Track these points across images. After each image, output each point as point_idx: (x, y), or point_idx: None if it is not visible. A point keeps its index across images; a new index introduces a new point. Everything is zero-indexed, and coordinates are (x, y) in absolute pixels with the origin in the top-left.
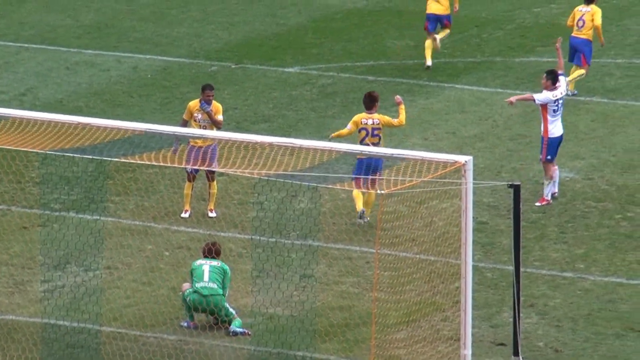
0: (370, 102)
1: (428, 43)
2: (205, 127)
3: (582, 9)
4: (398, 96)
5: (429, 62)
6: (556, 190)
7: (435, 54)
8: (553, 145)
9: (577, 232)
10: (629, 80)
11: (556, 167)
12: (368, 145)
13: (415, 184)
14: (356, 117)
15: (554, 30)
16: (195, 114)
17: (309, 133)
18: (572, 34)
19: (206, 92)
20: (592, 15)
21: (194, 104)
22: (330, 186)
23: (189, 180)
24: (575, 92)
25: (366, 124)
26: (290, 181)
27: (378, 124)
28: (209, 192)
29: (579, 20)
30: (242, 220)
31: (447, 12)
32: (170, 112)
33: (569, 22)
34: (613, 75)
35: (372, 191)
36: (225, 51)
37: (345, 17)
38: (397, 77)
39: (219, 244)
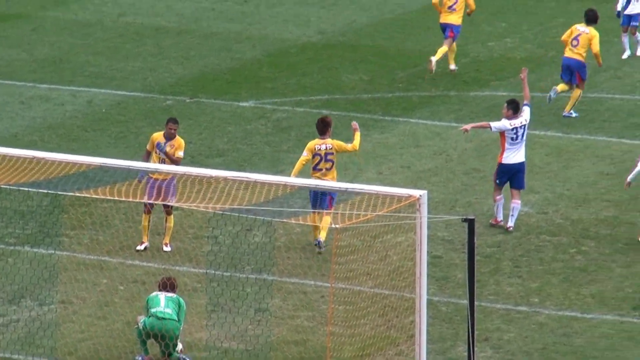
0: (323, 127)
1: (443, 49)
2: (164, 160)
3: (580, 28)
4: (354, 122)
5: (452, 66)
6: (512, 224)
7: (390, 87)
8: (503, 172)
9: (531, 266)
10: (583, 114)
11: (518, 200)
12: (321, 170)
13: (370, 218)
14: (310, 144)
15: (508, 64)
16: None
17: (264, 167)
18: (566, 54)
19: (169, 124)
20: (590, 39)
21: (157, 135)
22: (284, 220)
23: (146, 213)
24: (577, 114)
25: (320, 149)
26: (245, 215)
27: (331, 148)
28: (165, 226)
29: (574, 39)
30: (196, 254)
31: (459, 23)
32: (125, 146)
33: (564, 38)
34: None
35: (327, 216)
36: (179, 85)
37: (300, 51)
38: (351, 112)
39: (174, 278)
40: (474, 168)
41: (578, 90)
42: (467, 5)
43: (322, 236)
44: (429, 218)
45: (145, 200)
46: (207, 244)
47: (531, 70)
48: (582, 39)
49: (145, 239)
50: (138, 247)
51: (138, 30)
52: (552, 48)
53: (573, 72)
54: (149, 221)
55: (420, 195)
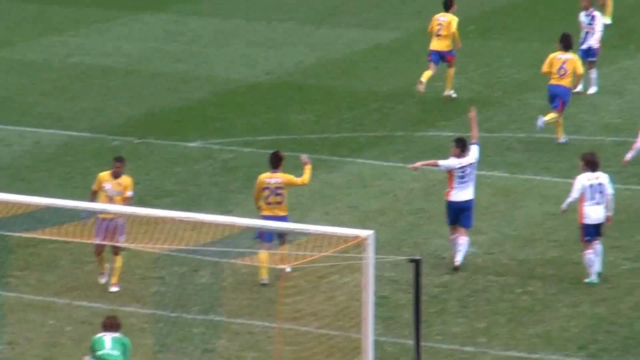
0: (276, 161)
1: (428, 73)
2: (112, 198)
3: (560, 56)
4: (304, 155)
5: (448, 92)
6: (459, 259)
7: (338, 128)
8: (451, 209)
9: (478, 306)
10: (529, 155)
11: (465, 237)
12: (271, 204)
13: (317, 259)
14: (260, 177)
15: (455, 104)
16: (104, 185)
17: (211, 208)
18: (552, 82)
19: (114, 163)
20: (574, 63)
21: (104, 175)
22: (231, 260)
23: (98, 254)
24: (567, 139)
25: (269, 183)
26: (192, 256)
27: (281, 182)
28: (113, 266)
29: (560, 68)
30: (144, 295)
31: (449, 48)
32: (73, 186)
33: (544, 69)
34: (514, 149)
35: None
36: (127, 126)
37: (247, 91)
38: (298, 152)
39: (118, 317)
40: (421, 208)
41: (556, 115)
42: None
43: (264, 275)
44: (375, 258)
45: (93, 240)
46: (154, 285)
47: (478, 110)
48: (568, 67)
49: (104, 269)
50: (101, 280)
51: (86, 71)
52: (498, 89)
53: (557, 98)
54: (102, 259)
55: (367, 236)
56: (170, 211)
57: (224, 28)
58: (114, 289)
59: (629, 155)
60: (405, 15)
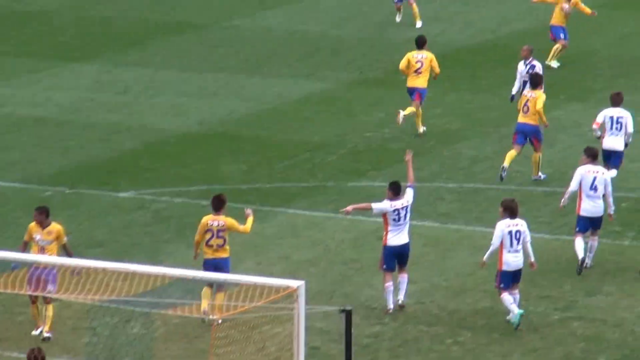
0: (218, 204)
1: (411, 109)
2: (44, 248)
3: (527, 93)
4: (248, 209)
5: (421, 129)
6: (402, 298)
7: (269, 178)
8: (389, 253)
9: (409, 357)
10: (460, 205)
11: (405, 274)
12: (213, 246)
13: (248, 309)
14: (203, 220)
15: (386, 154)
16: (34, 235)
17: (143, 258)
18: (520, 120)
19: (34, 213)
20: (536, 100)
21: (33, 226)
22: (163, 311)
23: (32, 303)
24: (545, 176)
25: (212, 225)
26: (123, 306)
27: (223, 225)
28: (45, 315)
29: (524, 105)
30: (75, 346)
31: (424, 86)
32: (4, 237)
33: (518, 107)
34: (445, 199)
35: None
36: (59, 176)
37: (179, 141)
38: (230, 202)
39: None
40: (352, 259)
41: (537, 154)
42: (432, 70)
43: (205, 305)
44: (306, 309)
45: (24, 291)
46: (86, 335)
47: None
48: (531, 104)
49: (40, 323)
50: (34, 332)
51: (17, 121)
52: (430, 138)
53: (528, 137)
54: (37, 308)
55: (298, 286)
56: (101, 261)
57: (155, 78)
58: (47, 334)
59: (564, 200)
60: (336, 65)
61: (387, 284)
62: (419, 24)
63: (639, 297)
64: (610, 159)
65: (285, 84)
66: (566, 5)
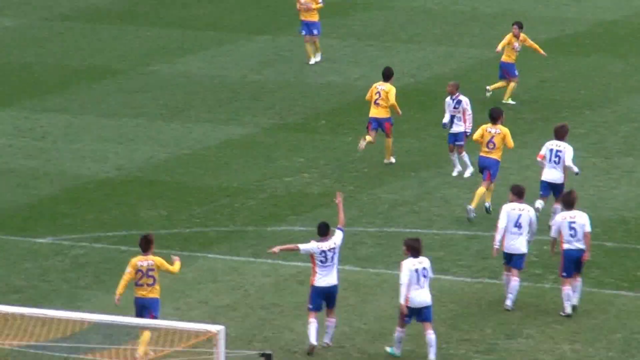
0: (146, 244)
1: (369, 139)
2: None
3: (490, 129)
4: (176, 256)
5: (389, 159)
6: (328, 342)
7: (189, 223)
8: (317, 294)
9: None
10: (380, 249)
11: (333, 318)
12: (143, 286)
13: (168, 354)
14: (132, 260)
15: (306, 199)
16: None
17: (61, 304)
18: (482, 154)
19: None
20: (503, 137)
21: None
22: (81, 356)
23: None
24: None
25: (142, 265)
26: (41, 352)
27: (152, 265)
28: None
29: (489, 142)
30: None
31: (388, 115)
32: None
33: (475, 137)
34: (365, 243)
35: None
36: None
37: (98, 187)
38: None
39: None
40: (272, 303)
41: (483, 188)
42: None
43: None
44: (226, 353)
45: None
46: None
47: (328, 205)
48: (497, 141)
49: None
50: None
51: None
52: (349, 183)
53: (486, 170)
54: None
55: (218, 331)
56: (19, 307)
57: (74, 124)
58: None
59: (496, 241)
60: (255, 110)
61: (310, 319)
62: (312, 60)
63: (559, 340)
64: (553, 190)
65: (204, 129)
66: (516, 44)
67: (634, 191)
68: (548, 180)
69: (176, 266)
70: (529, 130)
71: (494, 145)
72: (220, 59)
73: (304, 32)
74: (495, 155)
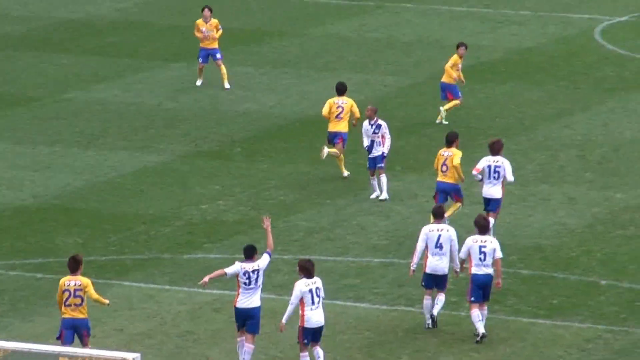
0: (74, 265)
1: (333, 151)
2: None
3: (444, 152)
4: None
5: (345, 173)
6: (244, 358)
7: (104, 250)
8: (238, 315)
9: None
10: (296, 277)
11: (251, 345)
12: (71, 306)
13: None
14: (61, 280)
15: (221, 226)
16: None
17: None
18: (439, 179)
19: None
20: (452, 157)
21: None
22: None
23: None
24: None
25: (69, 285)
26: None
27: (80, 285)
28: None
29: (442, 164)
30: None
31: (345, 130)
32: None
33: (435, 165)
34: (280, 271)
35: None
36: None
37: (14, 214)
38: (65, 274)
39: None
40: (188, 331)
41: (458, 203)
42: (352, 115)
43: None
44: None
45: None
46: None
47: (244, 232)
48: (449, 163)
49: None
50: None
51: None
52: (265, 210)
53: (449, 194)
54: None
55: (134, 358)
56: None
57: None
58: None
59: (413, 263)
60: (171, 138)
61: (238, 339)
62: (227, 84)
63: None
64: (489, 204)
65: (120, 156)
66: (459, 66)
67: (550, 219)
68: (488, 197)
69: (100, 298)
70: None
71: (447, 167)
72: (136, 86)
73: (200, 61)
74: (451, 179)
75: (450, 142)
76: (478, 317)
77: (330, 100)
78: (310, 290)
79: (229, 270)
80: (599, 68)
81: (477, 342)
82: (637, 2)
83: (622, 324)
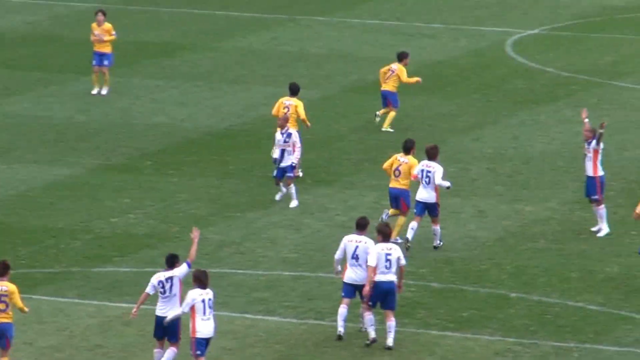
0: (3, 269)
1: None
2: None
3: (401, 158)
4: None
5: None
6: None
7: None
8: (155, 324)
9: None
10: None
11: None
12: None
13: None
14: None
15: (131, 240)
16: None
17: None
18: (391, 185)
19: None
20: (410, 167)
21: None
22: None
23: None
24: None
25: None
26: None
27: (6, 290)
28: None
29: (395, 170)
30: None
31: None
32: None
33: (385, 167)
34: (190, 284)
35: None
36: None
37: None
38: None
39: None
40: (97, 344)
41: (402, 218)
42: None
43: None
44: None
45: None
46: None
47: (154, 245)
48: (403, 170)
49: None
50: None
51: None
52: (176, 223)
53: (398, 200)
54: None
55: None
56: None
57: None
58: None
59: (335, 269)
60: (81, 151)
61: (155, 350)
62: (96, 90)
63: None
64: (428, 210)
65: (29, 170)
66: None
67: (460, 232)
68: (421, 200)
69: (23, 307)
70: (355, 170)
71: (400, 172)
72: (47, 100)
73: (94, 63)
74: (404, 185)
75: (408, 149)
76: (371, 321)
77: (280, 100)
78: (203, 300)
79: (148, 289)
80: (509, 81)
81: (366, 344)
82: (548, 15)
83: (532, 337)
